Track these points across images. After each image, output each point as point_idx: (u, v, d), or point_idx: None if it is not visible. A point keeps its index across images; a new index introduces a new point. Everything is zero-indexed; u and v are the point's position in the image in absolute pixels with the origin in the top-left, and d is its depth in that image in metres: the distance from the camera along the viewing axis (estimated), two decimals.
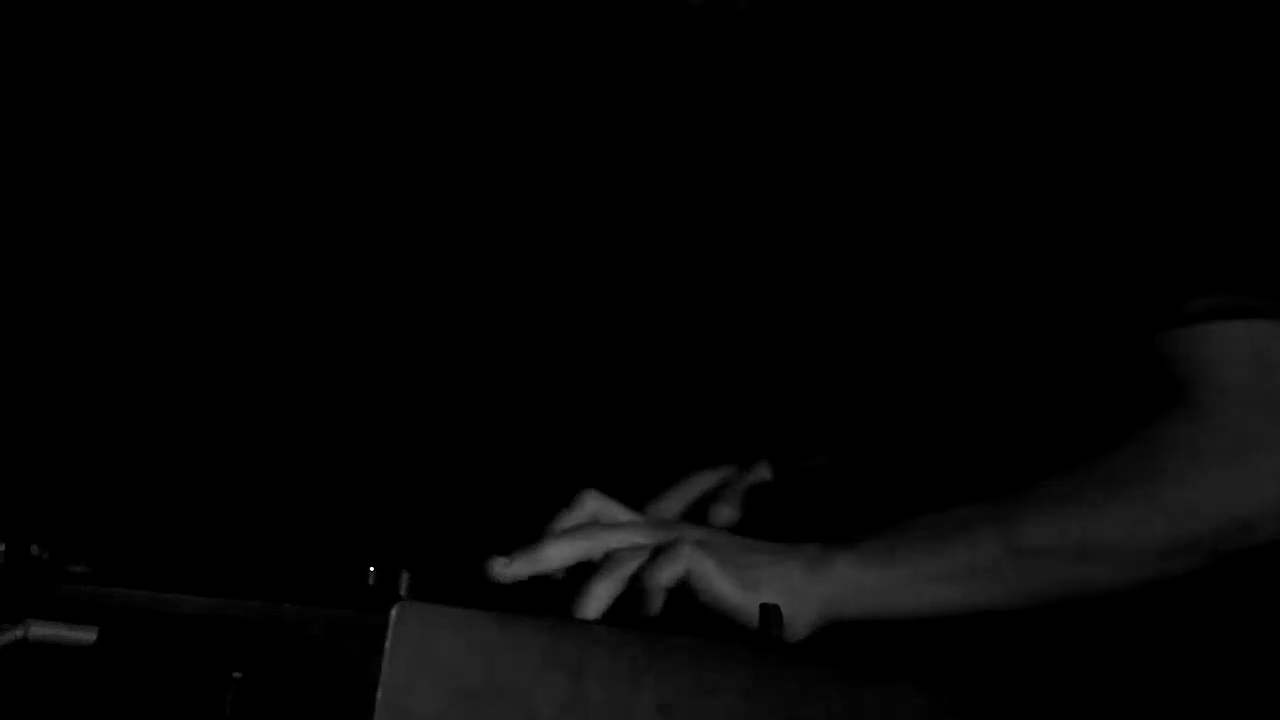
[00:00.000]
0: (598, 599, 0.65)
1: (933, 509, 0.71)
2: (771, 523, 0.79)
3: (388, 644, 0.42)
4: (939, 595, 0.69)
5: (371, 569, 0.49)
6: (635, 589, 0.65)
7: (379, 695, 0.42)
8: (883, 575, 0.68)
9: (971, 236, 0.76)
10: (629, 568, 0.66)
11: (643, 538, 0.68)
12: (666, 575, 0.64)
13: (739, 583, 0.65)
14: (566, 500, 0.72)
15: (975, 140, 0.76)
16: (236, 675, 0.46)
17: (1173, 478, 0.69)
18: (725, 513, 0.82)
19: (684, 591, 0.65)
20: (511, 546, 0.68)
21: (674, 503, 0.84)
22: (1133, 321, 0.71)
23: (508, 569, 0.67)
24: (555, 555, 0.68)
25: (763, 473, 0.85)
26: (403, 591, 0.48)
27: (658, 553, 0.66)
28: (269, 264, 1.46)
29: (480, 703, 0.44)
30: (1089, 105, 0.73)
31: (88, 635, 0.51)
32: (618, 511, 0.72)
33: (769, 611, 0.55)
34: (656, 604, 0.65)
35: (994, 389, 0.77)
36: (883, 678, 0.54)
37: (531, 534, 0.70)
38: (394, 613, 0.43)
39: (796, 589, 0.66)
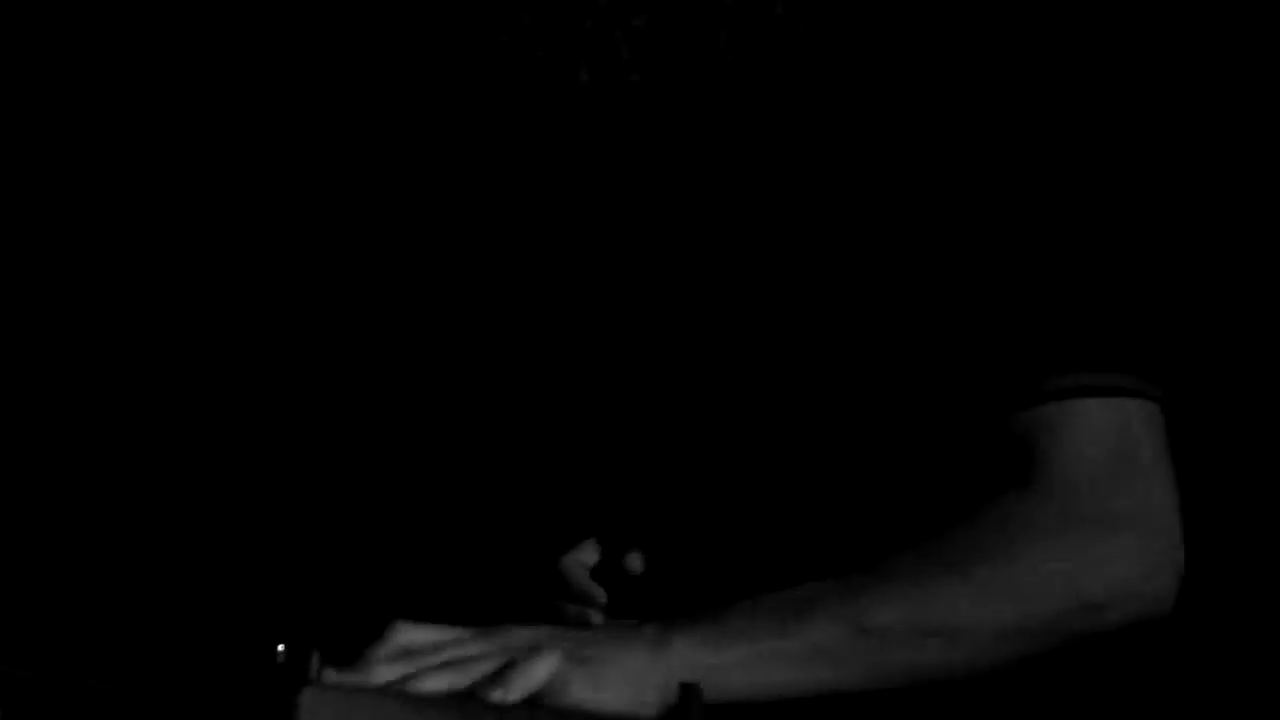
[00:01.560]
0: (445, 680, 0.61)
1: (780, 586, 0.70)
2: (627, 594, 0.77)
3: None
4: (781, 676, 0.68)
5: (280, 647, 0.49)
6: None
7: None
8: (722, 655, 0.67)
9: (828, 312, 0.76)
10: (471, 674, 0.63)
11: (480, 651, 0.65)
12: (532, 680, 0.63)
13: (587, 680, 0.64)
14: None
15: (840, 212, 0.76)
16: None
17: (1018, 555, 0.69)
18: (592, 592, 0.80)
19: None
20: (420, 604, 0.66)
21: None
22: (991, 399, 0.71)
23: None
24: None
25: (591, 552, 0.83)
26: (312, 674, 0.47)
27: (505, 667, 0.64)
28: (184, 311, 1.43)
29: None
30: (953, 176, 0.74)
31: None
32: (433, 634, 0.68)
33: (689, 691, 0.54)
34: (514, 695, 0.62)
35: (847, 464, 0.76)
36: None
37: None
38: (302, 697, 0.43)
39: (639, 674, 0.65)
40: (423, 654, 0.65)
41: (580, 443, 0.92)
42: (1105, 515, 0.69)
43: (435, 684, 0.62)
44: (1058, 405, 0.70)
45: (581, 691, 0.63)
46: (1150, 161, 0.82)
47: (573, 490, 0.94)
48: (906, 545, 0.70)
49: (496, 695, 0.62)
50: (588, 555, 0.83)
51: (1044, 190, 0.74)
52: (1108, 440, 0.70)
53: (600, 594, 0.78)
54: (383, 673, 0.63)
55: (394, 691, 0.46)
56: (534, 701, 0.62)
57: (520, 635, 0.67)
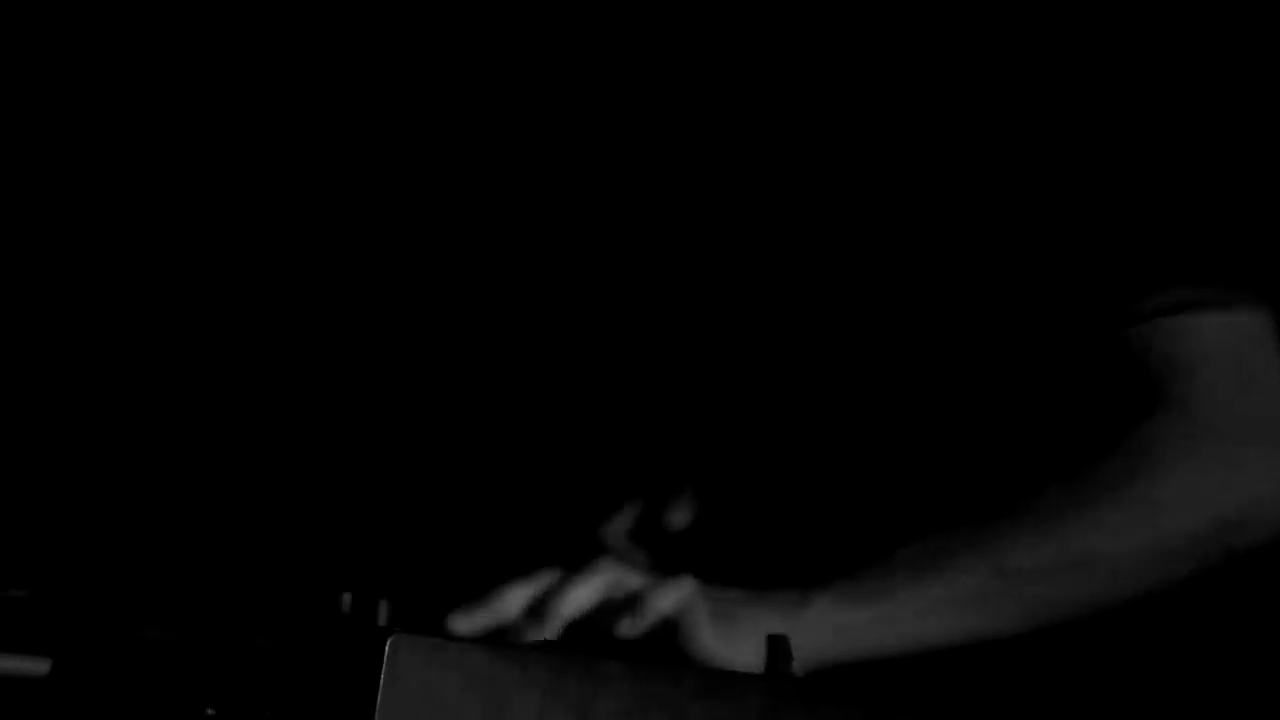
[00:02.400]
0: (575, 602, 0.61)
1: (910, 540, 0.68)
2: (736, 564, 0.77)
3: (383, 678, 0.39)
4: (926, 629, 0.66)
5: (346, 595, 0.46)
6: (607, 620, 0.62)
7: None
8: (866, 613, 0.65)
9: (938, 246, 0.74)
10: (622, 584, 0.62)
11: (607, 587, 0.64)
12: (669, 603, 0.61)
13: (721, 633, 0.63)
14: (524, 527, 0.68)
15: (939, 148, 0.74)
16: (210, 713, 0.42)
17: (1151, 479, 0.67)
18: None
19: (656, 637, 0.62)
20: (468, 569, 0.64)
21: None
22: (1101, 321, 0.70)
23: (469, 620, 0.62)
24: (579, 603, 0.63)
25: (687, 509, 0.83)
26: (382, 621, 0.44)
27: (633, 597, 0.62)
28: (215, 280, 1.42)
29: None
30: (1053, 103, 0.72)
31: (38, 666, 0.47)
32: (634, 580, 0.66)
33: (777, 644, 0.52)
34: (642, 626, 0.61)
35: (964, 410, 0.75)
36: (895, 714, 0.52)
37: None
38: (389, 645, 0.39)
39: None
40: (547, 592, 0.63)
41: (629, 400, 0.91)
42: (1233, 429, 0.67)
43: (568, 609, 0.61)
44: (1171, 320, 0.67)
45: (714, 643, 0.62)
46: (1255, 82, 0.79)
47: (615, 452, 0.93)
48: (1036, 483, 0.68)
49: (625, 627, 0.61)
50: (626, 521, 0.82)
51: (1154, 104, 0.71)
52: (1226, 351, 0.68)
53: (642, 558, 0.77)
54: (511, 605, 0.62)
55: (486, 642, 0.42)
56: (661, 647, 0.61)
57: (652, 580, 0.66)
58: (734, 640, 0.62)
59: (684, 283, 0.87)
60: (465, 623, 0.62)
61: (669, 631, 0.62)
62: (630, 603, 0.62)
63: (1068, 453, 0.69)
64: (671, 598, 0.62)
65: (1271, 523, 0.67)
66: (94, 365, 1.40)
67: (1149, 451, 0.68)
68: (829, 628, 0.64)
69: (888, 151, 0.76)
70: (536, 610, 0.62)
